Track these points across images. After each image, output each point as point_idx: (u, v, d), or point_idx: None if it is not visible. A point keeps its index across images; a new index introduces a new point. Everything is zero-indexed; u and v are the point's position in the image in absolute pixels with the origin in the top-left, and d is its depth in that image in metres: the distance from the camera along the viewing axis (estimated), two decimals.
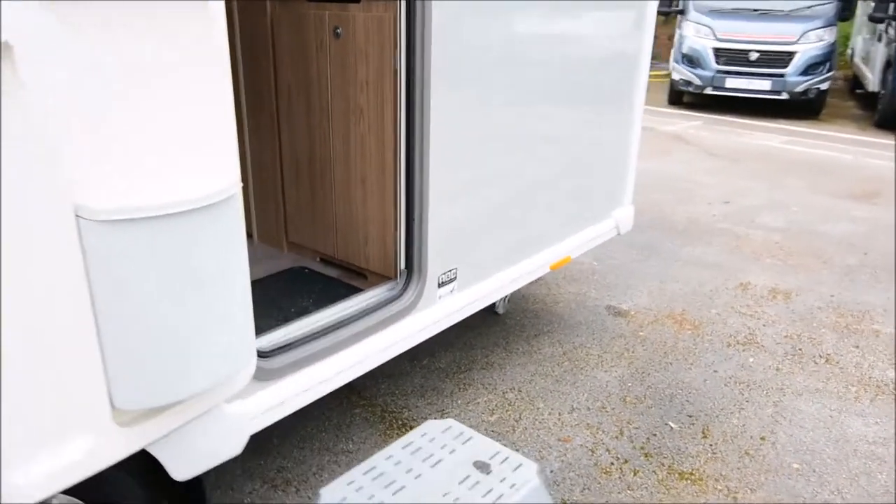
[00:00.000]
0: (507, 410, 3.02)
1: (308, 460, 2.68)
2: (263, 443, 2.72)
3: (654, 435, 2.90)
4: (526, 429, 2.91)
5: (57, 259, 1.29)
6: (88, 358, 1.38)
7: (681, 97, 10.73)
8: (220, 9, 1.43)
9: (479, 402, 3.07)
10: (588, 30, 3.00)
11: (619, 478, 2.64)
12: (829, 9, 9.80)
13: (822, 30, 9.61)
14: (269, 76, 2.86)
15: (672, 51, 10.76)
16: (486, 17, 2.40)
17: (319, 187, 2.85)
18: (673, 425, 2.96)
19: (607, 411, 3.04)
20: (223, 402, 1.76)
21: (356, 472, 1.95)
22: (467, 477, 1.93)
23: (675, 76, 10.43)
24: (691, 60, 10.11)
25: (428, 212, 2.40)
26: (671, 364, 3.45)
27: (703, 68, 10.00)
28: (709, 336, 3.74)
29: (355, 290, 2.60)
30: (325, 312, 2.32)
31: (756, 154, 7.90)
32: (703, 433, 2.92)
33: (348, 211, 2.75)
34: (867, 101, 10.64)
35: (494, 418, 2.97)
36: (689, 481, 2.63)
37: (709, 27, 9.99)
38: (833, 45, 9.76)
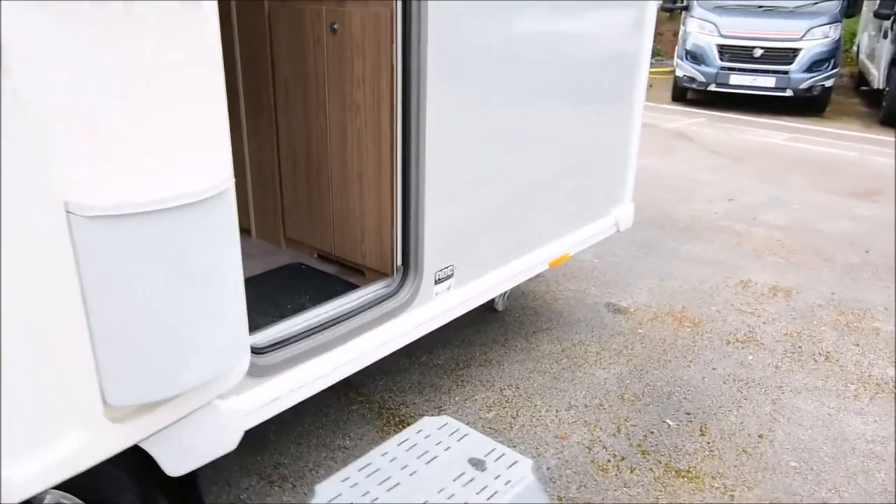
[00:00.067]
0: (504, 407, 3.02)
1: (305, 456, 2.68)
2: (260, 439, 2.72)
3: (652, 432, 2.89)
4: (523, 426, 2.90)
5: (48, 255, 1.29)
6: (80, 354, 1.38)
7: (684, 94, 10.68)
8: (212, 8, 1.43)
9: (476, 399, 3.07)
10: (587, 28, 2.99)
11: (616, 475, 2.64)
12: (835, 5, 9.75)
13: (827, 26, 9.56)
14: (266, 72, 2.86)
15: (676, 47, 10.72)
16: (483, 14, 2.39)
17: (316, 183, 2.85)
18: (671, 423, 2.96)
19: (605, 408, 3.04)
20: (216, 399, 1.76)
21: (352, 469, 1.96)
22: (462, 474, 1.94)
23: (679, 73, 10.38)
24: (695, 57, 10.06)
25: (424, 208, 2.40)
26: (670, 361, 3.44)
27: (707, 65, 9.95)
28: (708, 333, 3.74)
29: (352, 287, 2.60)
30: (321, 309, 2.32)
31: (759, 151, 7.87)
32: (701, 431, 2.91)
33: (345, 207, 2.75)
34: (872, 98, 10.58)
35: (492, 415, 2.97)
36: (685, 479, 2.63)
37: (713, 23, 9.94)
38: (838, 41, 9.71)
